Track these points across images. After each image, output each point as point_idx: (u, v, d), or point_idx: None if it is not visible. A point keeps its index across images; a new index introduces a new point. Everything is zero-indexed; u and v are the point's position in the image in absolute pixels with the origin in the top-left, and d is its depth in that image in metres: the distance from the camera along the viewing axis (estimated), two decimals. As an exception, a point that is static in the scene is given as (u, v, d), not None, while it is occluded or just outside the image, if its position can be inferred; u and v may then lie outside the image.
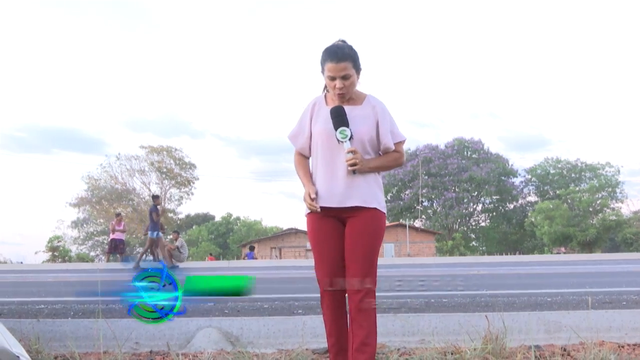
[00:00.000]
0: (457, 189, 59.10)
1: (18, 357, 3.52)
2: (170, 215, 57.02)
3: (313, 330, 5.28)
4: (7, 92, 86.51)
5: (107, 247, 23.22)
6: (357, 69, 3.30)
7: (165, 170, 57.18)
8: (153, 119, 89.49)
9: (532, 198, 64.43)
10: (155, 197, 18.40)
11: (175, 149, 57.72)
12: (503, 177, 60.61)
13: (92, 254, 55.68)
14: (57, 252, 36.39)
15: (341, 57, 3.21)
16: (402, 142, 3.45)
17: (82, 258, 40.00)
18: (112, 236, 22.04)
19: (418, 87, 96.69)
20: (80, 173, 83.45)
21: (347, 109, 3.30)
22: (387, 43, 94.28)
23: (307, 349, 4.42)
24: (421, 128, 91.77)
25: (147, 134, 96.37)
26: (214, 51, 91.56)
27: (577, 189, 58.54)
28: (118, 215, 23.37)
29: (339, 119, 3.23)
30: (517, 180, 63.21)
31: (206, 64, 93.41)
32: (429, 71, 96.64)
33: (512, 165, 62.38)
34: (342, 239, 3.33)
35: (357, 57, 3.30)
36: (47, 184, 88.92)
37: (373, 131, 3.32)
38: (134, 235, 53.48)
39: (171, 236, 19.61)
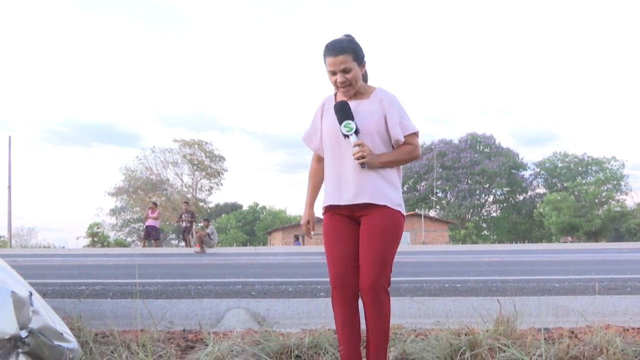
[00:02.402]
0: (469, 181, 58.89)
1: (61, 333, 3.55)
2: (201, 204, 57.32)
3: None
4: (51, 91, 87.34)
5: (142, 233, 23.42)
6: (359, 61, 3.06)
7: (196, 162, 57.53)
8: (185, 115, 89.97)
9: (541, 190, 64.03)
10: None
11: (206, 143, 58.08)
12: (513, 170, 60.32)
13: (129, 239, 56.15)
14: (96, 237, 36.72)
15: (339, 50, 3.00)
16: (414, 134, 3.13)
17: (119, 243, 40.31)
18: (147, 223, 22.25)
19: (432, 85, 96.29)
20: (118, 165, 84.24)
21: (354, 103, 3.11)
22: (404, 44, 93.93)
23: (329, 329, 4.41)
24: (435, 124, 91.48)
25: (179, 128, 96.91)
26: (241, 51, 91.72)
27: (584, 181, 58.18)
28: (153, 204, 23.55)
29: (343, 113, 3.01)
30: (526, 173, 62.95)
31: (234, 63, 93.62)
32: (442, 70, 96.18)
33: (521, 159, 62.15)
34: (354, 239, 3.10)
35: (358, 49, 3.07)
36: (87, 175, 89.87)
37: (381, 124, 3.07)
38: (167, 223, 53.77)
39: (202, 224, 19.68)
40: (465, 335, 3.84)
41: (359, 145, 2.96)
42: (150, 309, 4.61)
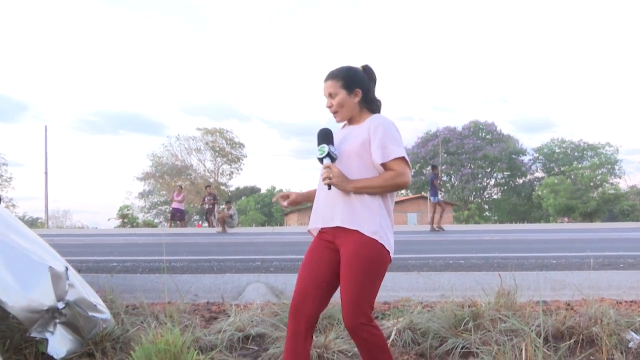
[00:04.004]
0: (472, 166, 58.68)
1: (95, 305, 3.58)
2: (222, 187, 57.46)
3: (347, 286, 5.29)
4: (83, 83, 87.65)
5: (169, 215, 23.53)
6: (349, 88, 2.85)
7: (218, 149, 57.64)
8: (206, 105, 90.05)
9: (539, 174, 63.62)
10: (434, 167, 18.26)
11: (227, 131, 58.18)
12: (513, 156, 59.99)
13: (156, 220, 56.31)
14: (126, 219, 36.84)
15: (329, 75, 2.89)
16: (399, 160, 2.73)
17: (147, 224, 40.42)
18: (172, 206, 22.37)
19: (437, 75, 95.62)
20: (145, 151, 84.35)
21: (348, 129, 2.91)
22: (411, 36, 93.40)
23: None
24: (440, 112, 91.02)
25: (201, 117, 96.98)
26: (259, 45, 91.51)
27: (580, 166, 57.83)
28: (179, 187, 23.63)
29: (321, 138, 2.79)
30: (525, 158, 62.51)
31: (252, 56, 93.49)
32: (446, 61, 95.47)
33: (521, 145, 61.74)
34: (326, 268, 2.79)
35: (351, 77, 2.87)
36: (117, 161, 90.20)
37: (363, 148, 2.77)
38: (192, 205, 53.93)
39: (224, 205, 19.72)
40: (469, 307, 3.84)
41: (328, 167, 2.72)
42: (177, 283, 4.64)
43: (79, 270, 3.65)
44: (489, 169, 60.01)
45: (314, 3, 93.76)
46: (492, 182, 62.58)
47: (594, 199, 52.49)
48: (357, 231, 2.69)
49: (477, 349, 3.45)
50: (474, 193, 60.61)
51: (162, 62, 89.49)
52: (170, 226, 22.94)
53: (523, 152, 61.82)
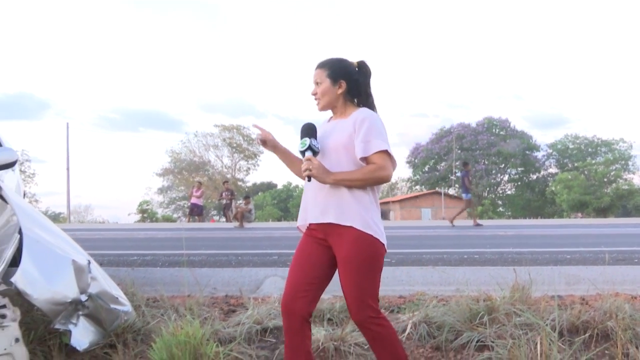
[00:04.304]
0: (486, 162, 58.34)
1: (117, 298, 3.61)
2: (239, 183, 57.65)
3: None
4: (103, 81, 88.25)
5: (187, 210, 23.64)
6: (334, 78, 2.83)
7: (235, 145, 57.79)
8: (223, 102, 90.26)
9: (553, 170, 63.07)
10: (465, 164, 17.95)
11: (243, 127, 58.24)
12: (527, 152, 59.52)
13: (175, 215, 56.57)
14: (146, 213, 37.04)
15: (319, 64, 2.89)
16: (381, 153, 2.68)
17: (166, 219, 40.62)
18: (191, 201, 22.47)
19: (451, 72, 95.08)
20: (164, 148, 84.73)
21: (334, 122, 2.88)
22: (425, 33, 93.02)
23: (357, 295, 4.42)
24: (454, 109, 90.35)
25: (218, 114, 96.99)
26: (275, 43, 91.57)
27: (594, 161, 57.31)
28: (198, 183, 23.73)
29: (305, 132, 2.77)
30: (539, 154, 61.96)
31: (268, 54, 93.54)
32: (460, 58, 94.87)
33: (535, 141, 61.15)
34: (317, 264, 2.78)
35: (338, 68, 2.85)
36: (136, 158, 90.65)
37: (349, 142, 2.74)
38: (209, 200, 54.16)
39: (243, 201, 19.77)
40: (484, 301, 3.83)
41: (309, 160, 2.69)
42: (196, 277, 4.66)
43: (101, 264, 3.68)
44: (503, 165, 59.60)
45: (330, 1, 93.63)
46: (506, 177, 62.19)
47: (607, 194, 52.00)
48: (350, 227, 2.68)
49: (492, 342, 3.43)
50: (487, 189, 60.24)
51: (180, 60, 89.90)
52: (189, 221, 23.05)
53: (537, 148, 61.33)
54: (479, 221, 17.12)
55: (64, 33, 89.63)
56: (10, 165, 4.14)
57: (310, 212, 2.83)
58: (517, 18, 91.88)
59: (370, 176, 2.68)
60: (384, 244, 2.75)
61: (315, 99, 2.90)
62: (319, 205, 2.77)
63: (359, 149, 2.70)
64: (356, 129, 2.74)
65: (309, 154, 2.72)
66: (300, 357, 2.77)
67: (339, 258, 2.71)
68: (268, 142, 3.03)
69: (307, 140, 2.74)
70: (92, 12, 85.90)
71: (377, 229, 2.71)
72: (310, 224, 2.85)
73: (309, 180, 2.72)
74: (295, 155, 3.04)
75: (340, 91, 2.85)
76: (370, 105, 2.90)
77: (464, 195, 17.17)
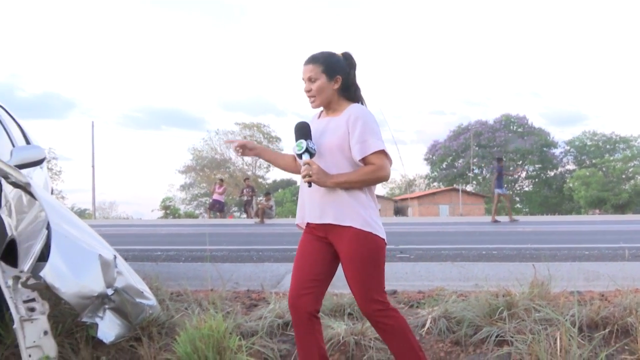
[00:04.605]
0: (504, 158, 57.97)
1: (142, 292, 3.63)
2: (260, 180, 57.85)
3: (382, 275, 5.27)
4: (127, 81, 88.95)
5: (209, 206, 23.75)
6: (330, 74, 2.73)
7: (256, 143, 58.13)
8: (244, 101, 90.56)
9: (571, 166, 62.49)
10: (499, 159, 17.80)
11: (263, 125, 58.61)
12: (545, 148, 59.04)
13: (197, 211, 56.93)
14: (168, 210, 37.35)
15: (309, 59, 2.75)
16: (379, 153, 2.64)
17: (189, 215, 40.94)
18: (213, 197, 22.56)
19: (469, 69, 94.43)
20: (186, 146, 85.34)
21: (326, 120, 2.80)
22: (442, 30, 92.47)
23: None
24: (471, 106, 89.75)
25: (239, 113, 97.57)
26: (294, 43, 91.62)
27: (612, 158, 56.70)
28: (220, 180, 23.82)
29: (299, 132, 2.68)
30: (557, 151, 61.41)
31: (287, 53, 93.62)
32: (478, 56, 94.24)
33: (552, 138, 60.63)
34: (321, 261, 2.76)
35: (332, 63, 2.75)
36: (159, 155, 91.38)
37: (344, 142, 2.67)
38: (230, 197, 54.43)
39: (264, 197, 19.82)
40: (503, 296, 3.79)
41: (307, 164, 2.62)
42: (219, 272, 4.67)
43: (126, 259, 3.71)
44: (521, 162, 59.14)
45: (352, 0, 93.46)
46: (524, 174, 61.69)
47: (625, 191, 51.43)
48: (350, 227, 2.64)
49: (512, 337, 3.40)
50: (505, 185, 59.94)
51: (201, 60, 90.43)
52: (210, 217, 23.17)
53: (554, 145, 60.78)
54: (498, 218, 16.92)
55: (89, 34, 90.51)
56: (38, 162, 4.18)
57: (308, 211, 2.79)
58: (535, 15, 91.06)
59: (369, 177, 2.65)
60: (384, 239, 2.72)
61: (310, 97, 2.78)
62: (317, 206, 2.72)
63: (355, 150, 2.64)
64: (350, 128, 2.67)
65: (306, 157, 2.64)
66: (313, 353, 2.76)
67: (342, 257, 2.70)
68: (247, 147, 3.00)
69: (304, 143, 2.65)
70: (116, 13, 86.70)
71: (376, 225, 2.68)
72: (309, 223, 2.82)
73: (310, 185, 2.66)
74: (275, 152, 3.09)
75: (336, 87, 2.76)
76: (359, 98, 2.84)
77: (497, 190, 16.81)
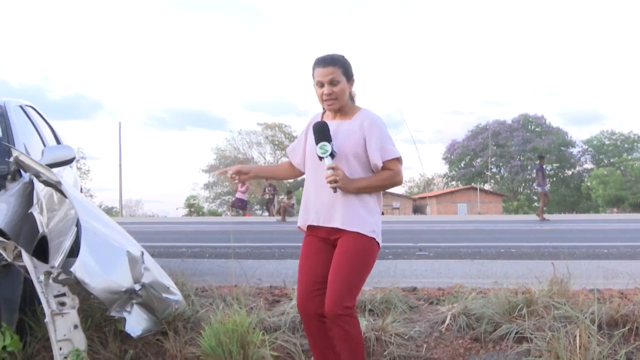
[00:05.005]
0: (521, 158, 57.40)
1: (168, 287, 3.65)
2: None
3: (402, 272, 5.27)
4: (152, 82, 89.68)
5: (232, 204, 23.86)
6: (348, 76, 2.71)
7: (277, 142, 58.15)
8: (265, 101, 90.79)
9: (588, 166, 61.74)
10: (541, 158, 17.52)
11: (285, 125, 58.60)
12: (562, 148, 58.40)
13: (220, 210, 57.27)
14: (193, 208, 37.45)
15: (329, 61, 2.68)
16: (396, 160, 2.68)
17: (212, 213, 41.06)
18: (236, 196, 22.68)
19: (487, 70, 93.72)
20: (210, 145, 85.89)
21: (336, 123, 2.74)
22: (461, 31, 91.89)
23: (397, 287, 4.40)
24: (489, 106, 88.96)
25: (260, 113, 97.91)
26: (314, 44, 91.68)
27: (630, 157, 55.91)
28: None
29: (321, 134, 2.63)
30: (575, 150, 60.71)
31: (308, 55, 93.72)
32: (496, 56, 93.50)
33: (570, 137, 59.94)
34: (326, 263, 2.71)
35: (348, 65, 2.73)
36: (184, 155, 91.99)
37: (359, 147, 2.66)
38: (253, 196, 54.69)
39: (285, 196, 19.86)
40: (522, 293, 3.76)
41: (332, 168, 2.58)
42: (243, 268, 4.69)
43: (152, 255, 3.73)
44: (538, 161, 58.65)
45: (368, 2, 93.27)
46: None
47: (643, 190, 50.70)
48: (357, 232, 2.63)
49: (531, 334, 3.37)
50: (523, 184, 59.32)
51: (224, 61, 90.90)
52: (232, 214, 23.31)
53: (572, 144, 60.10)
54: (546, 216, 16.57)
55: (117, 37, 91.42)
56: (69, 161, 4.23)
57: (313, 214, 2.75)
58: (553, 16, 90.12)
59: (388, 182, 2.69)
60: (379, 244, 2.72)
61: (330, 100, 2.70)
62: (324, 209, 2.69)
63: (376, 156, 2.65)
64: (366, 134, 2.66)
65: (329, 161, 2.60)
66: (328, 354, 2.74)
67: (338, 253, 2.67)
68: (242, 171, 2.94)
69: (328, 146, 2.60)
70: (141, 17, 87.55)
71: (379, 232, 2.71)
72: (310, 225, 2.78)
73: (335, 191, 2.61)
74: (271, 166, 3.20)
75: (351, 88, 2.77)
76: (353, 99, 2.83)
77: (539, 189, 16.46)
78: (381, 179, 2.67)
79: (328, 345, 2.73)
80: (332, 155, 2.61)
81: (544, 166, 16.64)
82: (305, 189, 2.82)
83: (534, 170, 16.86)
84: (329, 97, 2.69)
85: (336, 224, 2.66)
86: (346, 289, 2.61)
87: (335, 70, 2.67)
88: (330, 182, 2.58)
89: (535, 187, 16.36)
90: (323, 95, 2.69)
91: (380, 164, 2.65)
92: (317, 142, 2.63)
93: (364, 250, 2.65)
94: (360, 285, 2.69)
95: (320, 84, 2.69)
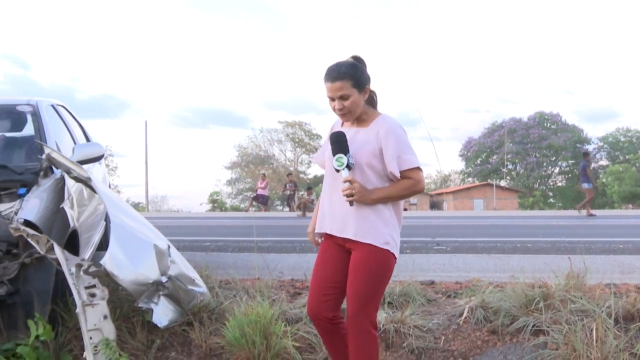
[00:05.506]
0: (537, 155, 56.81)
1: (194, 280, 3.68)
2: (301, 175, 58.05)
3: (420, 266, 5.24)
4: (176, 82, 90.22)
5: (253, 198, 23.97)
6: (360, 86, 2.54)
7: (297, 140, 58.24)
8: (285, 100, 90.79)
9: (604, 162, 60.89)
10: (585, 154, 17.21)
11: (305, 123, 58.65)
12: (578, 145, 57.60)
13: (242, 205, 57.56)
14: (216, 203, 37.66)
15: (337, 75, 2.51)
16: (414, 169, 2.53)
17: (235, 208, 41.25)
18: (257, 192, 22.78)
19: (502, 68, 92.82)
20: (232, 143, 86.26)
21: (353, 131, 2.62)
22: (477, 30, 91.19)
23: (415, 281, 4.38)
24: (505, 104, 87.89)
25: (281, 111, 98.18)
26: (333, 43, 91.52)
27: (645, 154, 55.09)
28: (263, 175, 24.02)
29: (337, 145, 2.50)
30: (590, 147, 59.87)
31: (327, 54, 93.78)
32: (512, 55, 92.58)
33: (586, 134, 59.18)
34: (340, 269, 2.63)
35: (359, 74, 2.55)
36: (207, 152, 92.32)
37: (374, 157, 2.53)
38: (274, 192, 54.82)
39: (305, 192, 19.88)
40: (539, 287, 3.72)
41: (349, 181, 2.47)
42: (265, 261, 4.70)
43: (177, 249, 3.76)
44: (554, 158, 57.88)
45: (388, 2, 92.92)
46: (557, 170, 60.39)
47: (659, 186, 49.93)
48: (369, 244, 2.52)
49: (548, 327, 3.34)
50: (538, 181, 58.72)
51: (246, 62, 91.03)
52: (250, 206, 23.52)
53: (588, 141, 59.28)
54: (593, 211, 16.32)
55: (142, 39, 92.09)
56: (98, 159, 4.27)
57: (328, 223, 2.66)
58: (568, 14, 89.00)
59: (408, 192, 2.56)
60: (396, 257, 2.60)
61: (342, 114, 2.59)
62: (338, 219, 2.60)
63: (392, 166, 2.51)
64: (382, 143, 2.53)
65: (345, 173, 2.49)
66: (344, 350, 2.67)
67: (353, 265, 2.57)
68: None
69: (344, 158, 2.48)
70: (166, 19, 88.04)
71: (394, 242, 2.57)
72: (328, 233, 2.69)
73: (352, 204, 2.50)
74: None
75: (366, 97, 2.60)
76: (375, 99, 2.71)
77: (585, 185, 15.92)
78: (400, 188, 2.54)
79: (343, 345, 2.67)
80: (348, 167, 2.49)
81: (588, 162, 16.22)
82: (321, 196, 2.75)
83: (580, 168, 16.40)
84: (340, 112, 2.58)
85: (349, 234, 2.56)
86: (363, 301, 2.53)
87: (343, 85, 2.51)
88: (346, 195, 2.49)
89: (583, 184, 15.81)
90: (335, 109, 2.59)
91: (397, 174, 2.51)
92: (334, 153, 2.51)
93: (376, 263, 2.53)
94: (377, 296, 2.59)
95: (332, 98, 2.57)
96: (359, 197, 2.47)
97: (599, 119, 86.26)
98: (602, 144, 60.66)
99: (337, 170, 2.51)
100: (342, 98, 2.53)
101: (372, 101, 2.70)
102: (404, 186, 2.53)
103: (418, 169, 2.55)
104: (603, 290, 3.77)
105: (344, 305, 2.67)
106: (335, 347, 2.73)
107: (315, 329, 2.78)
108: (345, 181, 2.48)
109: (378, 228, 2.53)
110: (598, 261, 5.07)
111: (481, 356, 3.39)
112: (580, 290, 3.70)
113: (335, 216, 2.61)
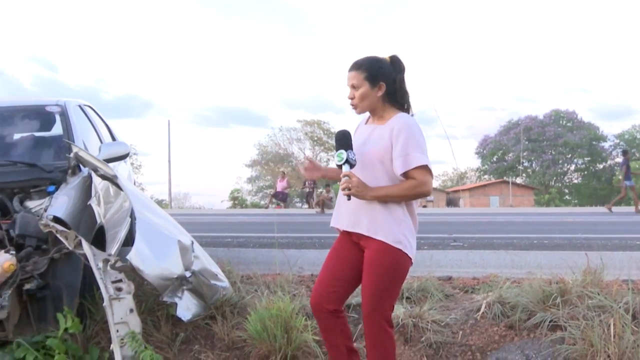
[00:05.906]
0: (553, 152, 56.22)
1: (216, 275, 3.70)
2: (319, 173, 58.16)
3: (438, 262, 5.22)
4: (198, 82, 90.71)
5: (273, 195, 24.06)
6: (373, 81, 2.52)
7: (316, 138, 58.25)
8: (304, 99, 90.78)
9: (620, 159, 60.09)
10: (625, 152, 16.92)
11: (323, 122, 58.63)
12: (594, 142, 56.91)
13: (262, 202, 57.77)
14: (237, 200, 37.77)
15: (354, 65, 2.55)
16: (421, 168, 2.43)
17: (255, 205, 41.37)
18: (277, 189, 22.86)
19: (519, 66, 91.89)
20: (252, 141, 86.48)
21: (370, 127, 2.60)
22: (494, 30, 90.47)
23: (433, 276, 4.36)
24: (521, 102, 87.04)
25: (300, 110, 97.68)
26: (352, 43, 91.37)
27: (662, 151, 54.24)
28: (282, 173, 24.09)
29: (341, 142, 2.47)
30: (606, 145, 59.10)
31: (346, 54, 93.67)
32: (528, 53, 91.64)
33: (602, 132, 58.40)
34: (350, 265, 2.61)
35: (377, 69, 2.53)
36: (228, 150, 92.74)
37: (385, 154, 2.48)
38: (293, 189, 54.95)
39: (324, 189, 19.87)
40: (556, 283, 3.68)
41: (347, 176, 2.43)
42: (286, 256, 4.71)
43: (200, 244, 3.78)
44: (570, 155, 57.24)
45: (405, 3, 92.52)
46: (573, 167, 59.69)
47: (675, 183, 49.17)
48: (381, 241, 2.47)
49: (565, 323, 3.30)
50: (554, 178, 58.10)
51: (265, 61, 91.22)
52: (270, 202, 23.62)
53: (604, 139, 58.52)
54: (613, 208, 16.07)
55: (165, 41, 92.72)
56: (123, 157, 4.31)
57: (342, 218, 2.63)
58: (585, 12, 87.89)
59: (410, 193, 2.46)
60: (411, 258, 2.54)
61: (352, 104, 2.60)
62: (352, 214, 2.56)
63: (397, 163, 2.45)
64: (393, 140, 2.47)
65: (346, 168, 2.46)
66: (340, 350, 2.67)
67: (365, 263, 2.53)
68: (315, 165, 2.81)
69: (344, 154, 2.45)
70: (188, 20, 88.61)
71: (407, 242, 2.50)
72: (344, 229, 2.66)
73: (349, 198, 2.47)
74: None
75: (380, 94, 2.55)
76: (407, 103, 2.63)
77: (626, 182, 15.53)
78: (402, 188, 2.46)
79: (340, 340, 2.66)
80: (349, 163, 2.46)
81: (629, 160, 15.94)
82: (339, 191, 2.67)
83: (621, 166, 16.05)
84: (350, 101, 2.60)
85: (362, 230, 2.52)
86: (377, 298, 2.50)
87: (357, 75, 2.54)
88: (343, 189, 2.47)
89: (624, 182, 15.44)
90: (348, 97, 2.62)
91: (400, 173, 2.45)
92: (336, 149, 2.49)
93: (388, 261, 2.48)
94: (392, 294, 2.55)
95: (350, 88, 2.60)
96: (356, 191, 2.43)
97: (614, 116, 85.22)
98: (618, 141, 59.81)
99: (339, 166, 2.49)
100: (353, 87, 2.57)
101: (401, 101, 2.62)
102: (406, 186, 2.46)
103: (424, 169, 2.45)
104: (620, 286, 3.72)
105: (347, 303, 2.66)
106: (332, 340, 2.68)
107: (315, 319, 2.74)
108: (343, 176, 2.46)
109: (390, 225, 2.48)
110: (615, 257, 4.99)
111: (498, 351, 3.36)
112: (598, 286, 3.65)
113: (349, 212, 2.58)
